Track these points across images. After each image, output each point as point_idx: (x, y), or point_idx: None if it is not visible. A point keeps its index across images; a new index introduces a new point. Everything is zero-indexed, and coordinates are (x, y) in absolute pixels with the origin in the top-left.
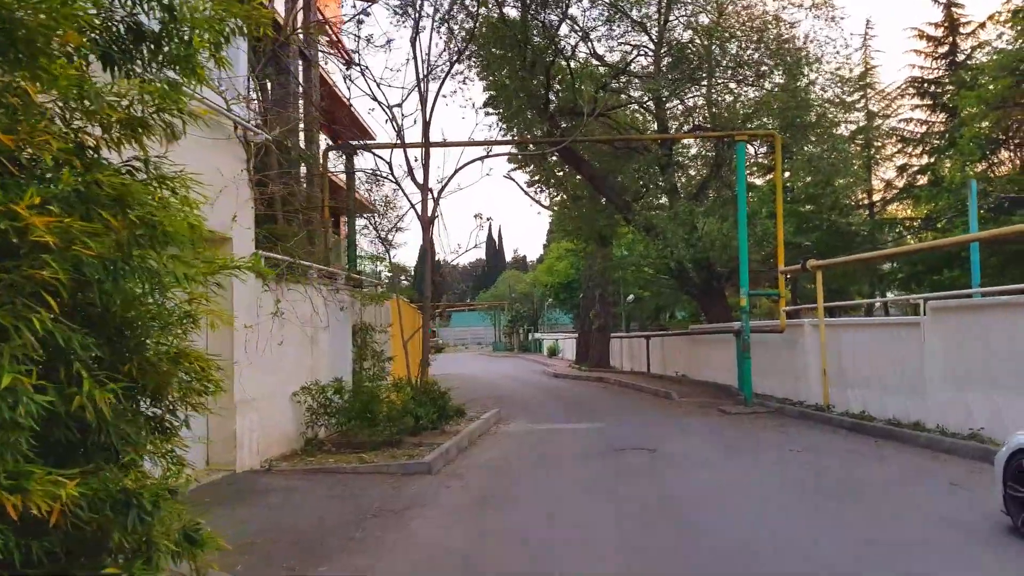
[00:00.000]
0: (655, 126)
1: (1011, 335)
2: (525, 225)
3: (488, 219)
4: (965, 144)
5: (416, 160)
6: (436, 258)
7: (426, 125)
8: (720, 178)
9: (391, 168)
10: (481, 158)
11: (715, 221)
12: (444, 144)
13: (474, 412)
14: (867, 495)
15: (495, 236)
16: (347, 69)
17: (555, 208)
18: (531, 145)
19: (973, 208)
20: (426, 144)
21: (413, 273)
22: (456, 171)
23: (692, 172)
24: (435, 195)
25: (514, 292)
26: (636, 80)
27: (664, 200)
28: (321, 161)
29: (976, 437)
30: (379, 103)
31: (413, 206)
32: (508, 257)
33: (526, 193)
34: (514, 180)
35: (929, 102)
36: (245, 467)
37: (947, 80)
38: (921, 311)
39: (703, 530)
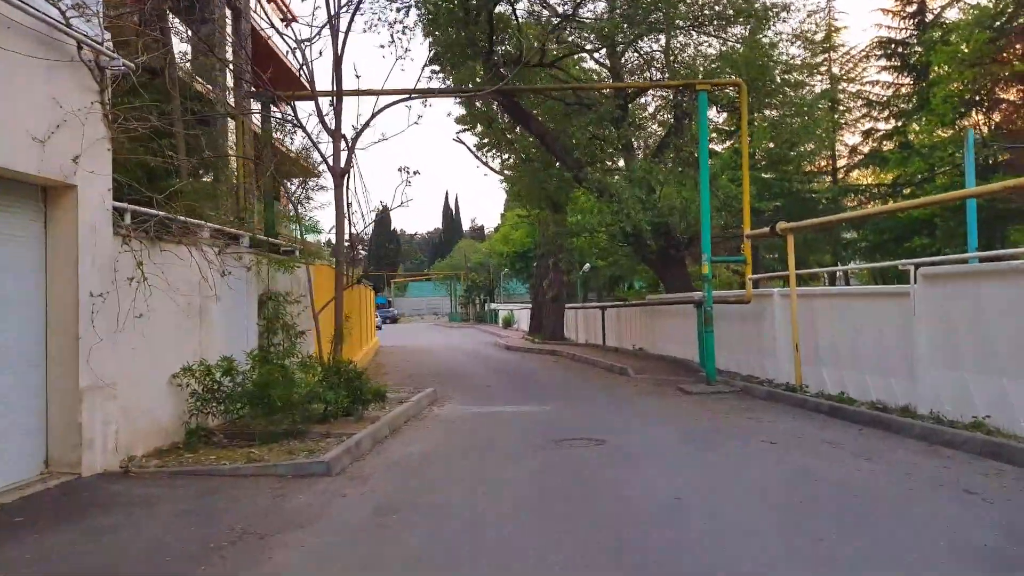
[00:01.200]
0: (610, 81)
1: (1018, 306)
2: (483, 194)
3: (415, 172)
4: (938, 103)
5: (331, 106)
6: (353, 217)
7: (337, 62)
8: (679, 137)
9: (295, 114)
10: (404, 99)
11: (674, 183)
12: (359, 93)
13: (408, 390)
14: (868, 514)
15: (451, 205)
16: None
17: (505, 172)
18: (470, 94)
19: (970, 161)
20: (338, 90)
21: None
22: (373, 115)
23: (649, 132)
24: (348, 143)
25: (470, 262)
26: (590, 34)
27: (621, 163)
28: (231, 107)
29: (981, 427)
30: (282, 35)
31: (325, 159)
32: (465, 227)
33: (475, 155)
34: (463, 143)
35: (896, 63)
36: (96, 469)
37: (916, 41)
38: (911, 279)
39: (654, 571)
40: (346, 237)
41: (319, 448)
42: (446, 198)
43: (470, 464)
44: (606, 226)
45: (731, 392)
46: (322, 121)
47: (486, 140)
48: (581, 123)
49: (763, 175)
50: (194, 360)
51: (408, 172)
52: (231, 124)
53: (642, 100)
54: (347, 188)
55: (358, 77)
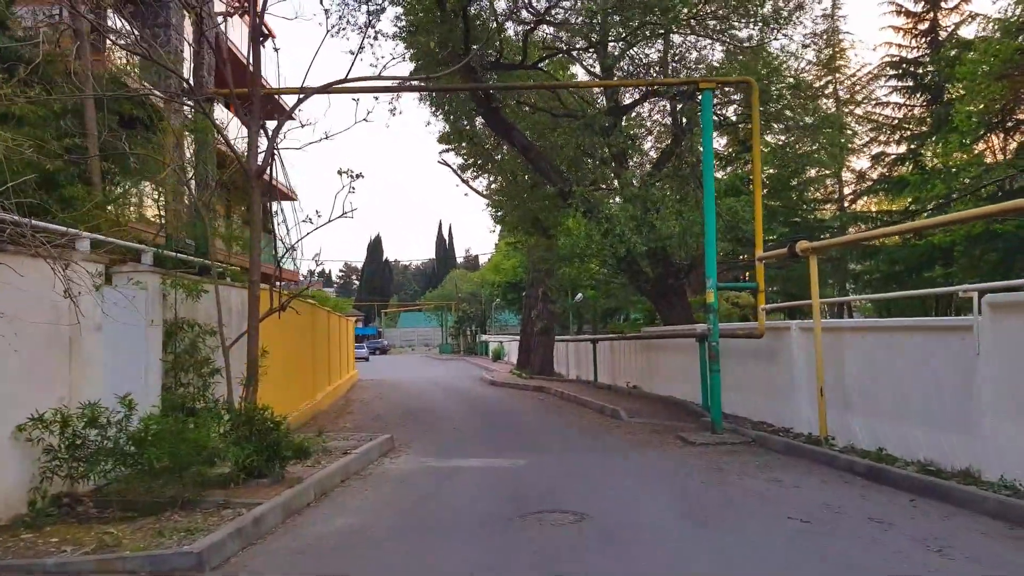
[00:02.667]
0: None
1: None
2: (478, 224)
3: (358, 175)
4: (962, 120)
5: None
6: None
7: (255, 29)
8: (678, 152)
9: (184, 81)
10: (345, 86)
11: (672, 203)
12: (296, 91)
13: (360, 437)
14: None
15: (444, 235)
16: None
17: (492, 195)
18: (441, 89)
19: None
20: (256, 65)
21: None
22: (300, 100)
23: (645, 149)
24: (268, 135)
25: (460, 292)
26: (577, 35)
27: (614, 184)
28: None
29: None
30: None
31: (237, 156)
32: (460, 257)
33: (458, 175)
34: (447, 164)
35: (909, 83)
36: None
37: (929, 60)
38: (975, 308)
39: None
40: (279, 252)
41: (205, 526)
42: (439, 228)
43: (406, 550)
44: (596, 251)
45: (741, 443)
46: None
47: (471, 160)
48: (567, 129)
49: (767, 202)
50: (57, 406)
51: (352, 176)
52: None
53: (636, 113)
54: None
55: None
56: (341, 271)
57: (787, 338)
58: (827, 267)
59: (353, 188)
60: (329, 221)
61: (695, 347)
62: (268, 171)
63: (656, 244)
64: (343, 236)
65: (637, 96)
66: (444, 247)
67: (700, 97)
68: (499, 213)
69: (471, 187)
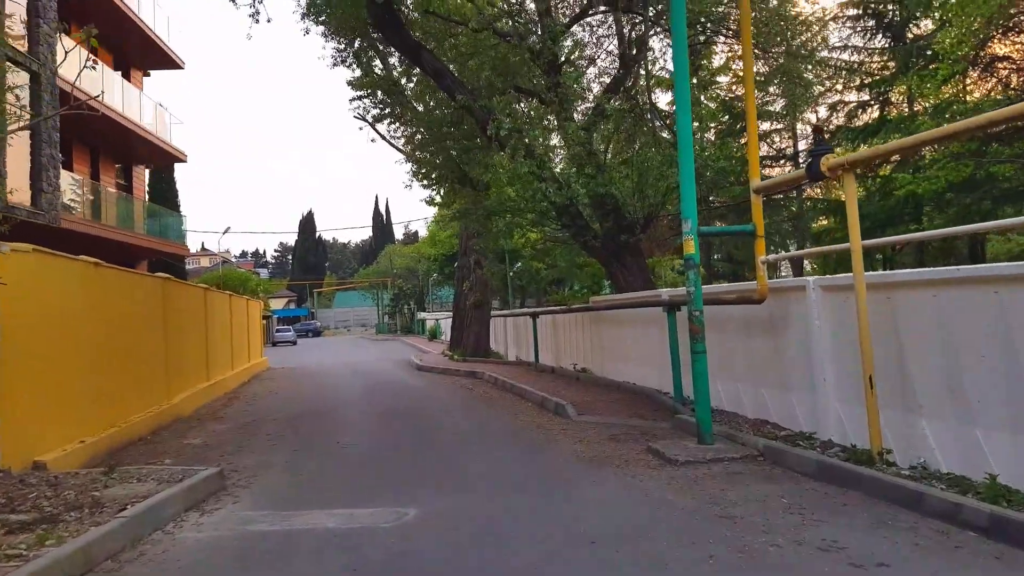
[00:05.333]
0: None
1: None
2: (415, 197)
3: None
4: (953, 45)
5: None
6: None
7: None
8: (628, 86)
9: None
10: None
11: (623, 142)
12: None
13: (179, 471)
14: None
15: (382, 210)
16: None
17: (408, 142)
18: None
19: None
20: None
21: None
22: None
23: (590, 73)
24: None
25: (396, 268)
26: None
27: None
28: None
29: None
30: None
31: None
32: (399, 234)
33: (372, 126)
34: (365, 120)
35: (870, 24)
36: None
37: None
38: None
39: None
40: None
41: None
42: (376, 202)
43: None
44: (530, 200)
45: (744, 460)
46: None
47: (387, 110)
48: (491, 56)
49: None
50: None
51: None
52: None
53: (574, 39)
54: None
55: None
56: (276, 250)
57: (801, 302)
58: (786, 226)
59: None
60: None
61: (661, 320)
62: None
63: (602, 190)
64: (279, 215)
65: (577, 9)
66: (381, 222)
67: None
68: (418, 168)
69: (379, 133)
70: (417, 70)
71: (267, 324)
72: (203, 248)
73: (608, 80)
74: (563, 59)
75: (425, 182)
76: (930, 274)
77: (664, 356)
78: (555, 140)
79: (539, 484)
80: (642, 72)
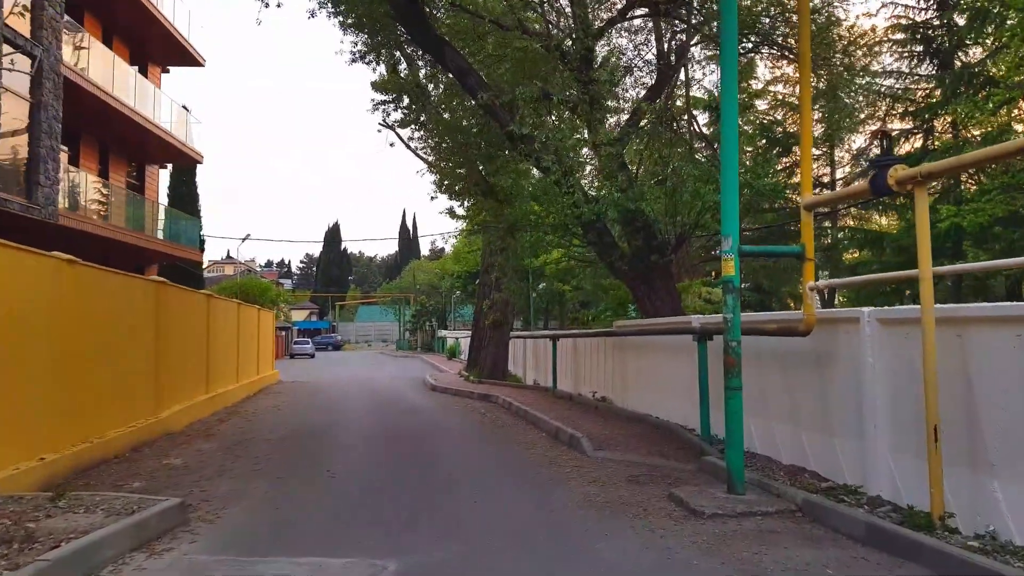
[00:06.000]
0: (570, 22)
1: None
2: (438, 211)
3: None
4: (1009, 67)
5: None
6: None
7: None
8: (665, 95)
9: None
10: None
11: (655, 159)
12: None
13: (137, 501)
14: None
15: (408, 225)
16: None
17: (429, 147)
18: None
19: None
20: None
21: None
22: None
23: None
24: None
25: (419, 284)
26: None
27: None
28: None
29: None
30: None
31: None
32: (425, 250)
33: (396, 134)
34: (390, 127)
35: (917, 49)
36: None
37: (937, 23)
38: None
39: None
40: None
41: None
42: (403, 217)
43: None
44: (556, 214)
45: (781, 515)
46: None
47: (412, 116)
48: (520, 59)
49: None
50: None
51: None
52: None
53: (610, 46)
54: None
55: None
56: (302, 261)
57: (853, 336)
58: (819, 255)
59: None
60: None
61: (689, 349)
62: None
63: (632, 206)
64: (306, 225)
65: (615, 12)
66: (407, 237)
67: None
68: (441, 179)
69: (401, 138)
70: (443, 76)
71: (286, 336)
72: (228, 256)
73: (644, 91)
74: (598, 62)
75: (448, 194)
76: (1015, 310)
77: (691, 389)
78: (584, 152)
79: (544, 536)
80: (680, 81)
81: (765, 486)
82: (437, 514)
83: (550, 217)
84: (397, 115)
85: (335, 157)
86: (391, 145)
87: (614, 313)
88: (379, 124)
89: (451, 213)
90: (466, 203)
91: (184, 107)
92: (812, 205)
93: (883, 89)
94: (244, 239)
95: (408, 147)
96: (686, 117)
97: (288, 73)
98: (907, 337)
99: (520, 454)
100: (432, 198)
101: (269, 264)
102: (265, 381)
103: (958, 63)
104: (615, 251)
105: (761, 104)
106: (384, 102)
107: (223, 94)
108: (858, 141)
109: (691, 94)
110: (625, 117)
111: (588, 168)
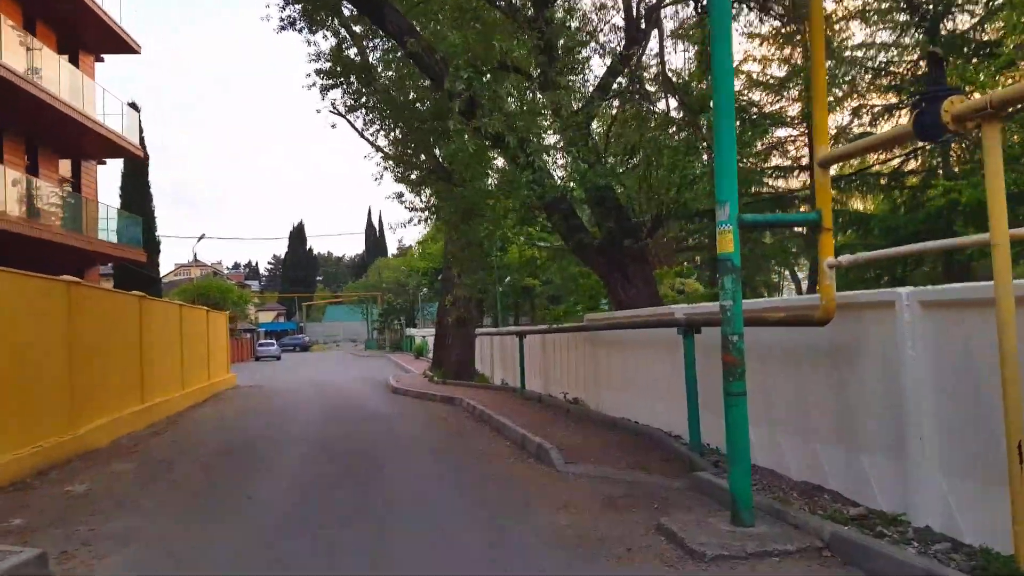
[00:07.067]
0: None
1: None
2: (393, 200)
3: None
4: (1015, 24)
5: None
6: None
7: None
8: (631, 67)
9: None
10: None
11: (629, 131)
12: None
13: None
14: None
15: (375, 224)
16: None
17: (393, 149)
18: None
19: None
20: None
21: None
22: None
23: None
24: None
25: (385, 282)
26: None
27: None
28: None
29: None
30: None
31: None
32: (393, 248)
33: (347, 118)
34: (340, 114)
35: (900, 19)
36: None
37: None
38: None
39: None
40: None
41: None
42: (368, 215)
43: None
44: (512, 191)
45: (802, 556)
46: None
47: (361, 100)
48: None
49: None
50: None
51: None
52: None
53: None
54: None
55: None
56: (270, 263)
57: (885, 324)
58: (798, 240)
59: None
60: None
61: (672, 343)
62: None
63: (602, 181)
64: (273, 227)
65: None
66: (374, 235)
67: None
68: (395, 165)
69: (353, 126)
70: (393, 50)
71: (252, 338)
72: (195, 259)
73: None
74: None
75: (404, 184)
76: None
77: (674, 389)
78: (544, 125)
79: None
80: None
81: (779, 514)
82: (366, 562)
83: (509, 200)
84: (337, 94)
85: (300, 155)
86: (333, 126)
87: (585, 306)
88: (330, 111)
89: (399, 197)
90: (424, 193)
91: (133, 104)
92: (829, 160)
93: (864, 61)
94: (200, 239)
95: (358, 131)
96: (661, 74)
97: (236, 58)
98: (960, 323)
99: (479, 470)
100: (376, 179)
101: (237, 266)
102: (217, 387)
103: (943, 31)
104: (584, 235)
105: (736, 83)
106: (326, 87)
107: (166, 84)
108: (841, 118)
109: (665, 57)
110: (592, 81)
111: (550, 142)
